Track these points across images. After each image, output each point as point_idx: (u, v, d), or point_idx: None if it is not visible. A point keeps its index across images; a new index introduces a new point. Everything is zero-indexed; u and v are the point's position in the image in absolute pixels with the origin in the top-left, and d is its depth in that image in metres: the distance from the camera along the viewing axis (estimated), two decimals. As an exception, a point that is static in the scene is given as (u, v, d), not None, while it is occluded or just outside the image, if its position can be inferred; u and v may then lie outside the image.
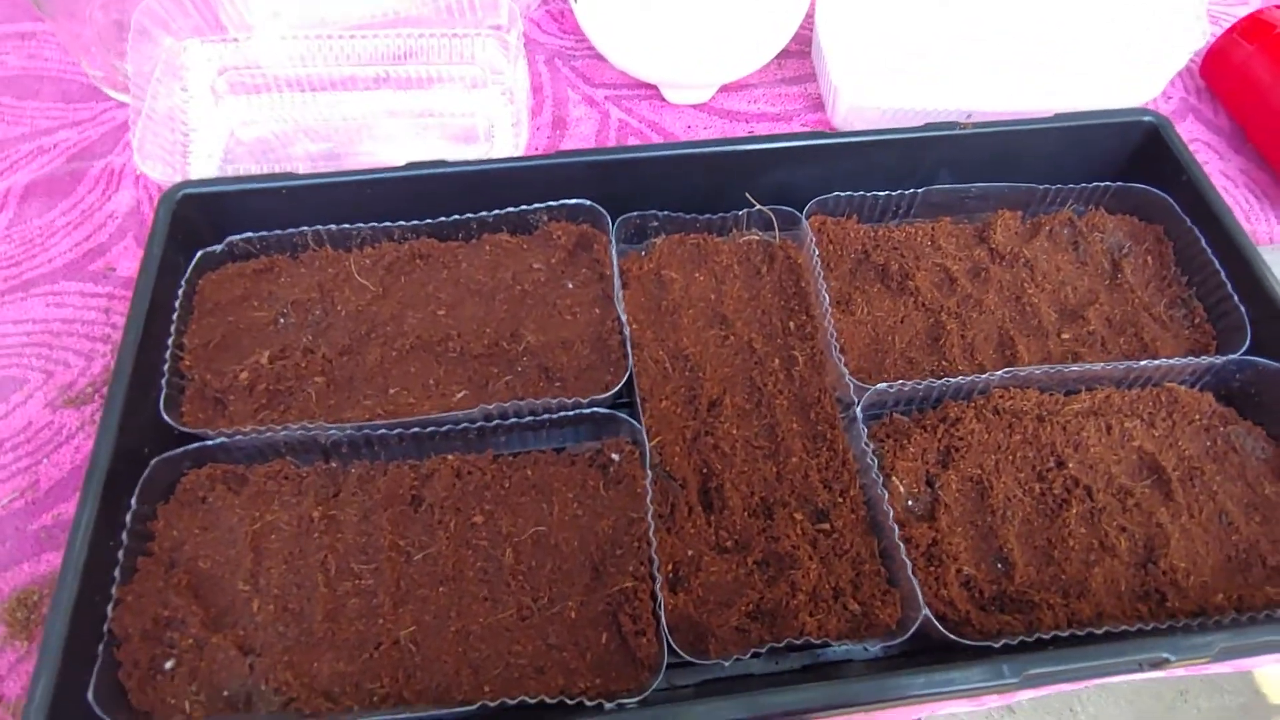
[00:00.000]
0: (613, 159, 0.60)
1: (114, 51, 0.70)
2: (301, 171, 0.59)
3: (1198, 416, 0.54)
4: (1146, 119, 0.63)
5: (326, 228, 0.58)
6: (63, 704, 0.40)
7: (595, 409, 0.51)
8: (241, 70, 0.71)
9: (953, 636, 0.44)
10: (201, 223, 0.58)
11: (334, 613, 0.46)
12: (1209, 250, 0.58)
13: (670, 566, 0.48)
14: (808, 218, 0.60)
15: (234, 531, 0.48)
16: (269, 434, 0.50)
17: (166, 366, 0.52)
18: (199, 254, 0.57)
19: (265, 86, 0.72)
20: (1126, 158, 0.65)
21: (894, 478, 0.51)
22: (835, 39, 0.71)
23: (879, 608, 0.46)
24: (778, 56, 0.73)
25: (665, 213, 0.61)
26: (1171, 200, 0.61)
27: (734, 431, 0.53)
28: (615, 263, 0.57)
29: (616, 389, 0.52)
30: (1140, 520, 0.50)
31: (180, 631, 0.45)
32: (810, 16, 0.75)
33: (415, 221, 0.59)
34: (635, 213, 0.60)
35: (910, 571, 0.46)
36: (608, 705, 0.43)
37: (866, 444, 0.50)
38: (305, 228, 0.58)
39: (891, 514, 0.47)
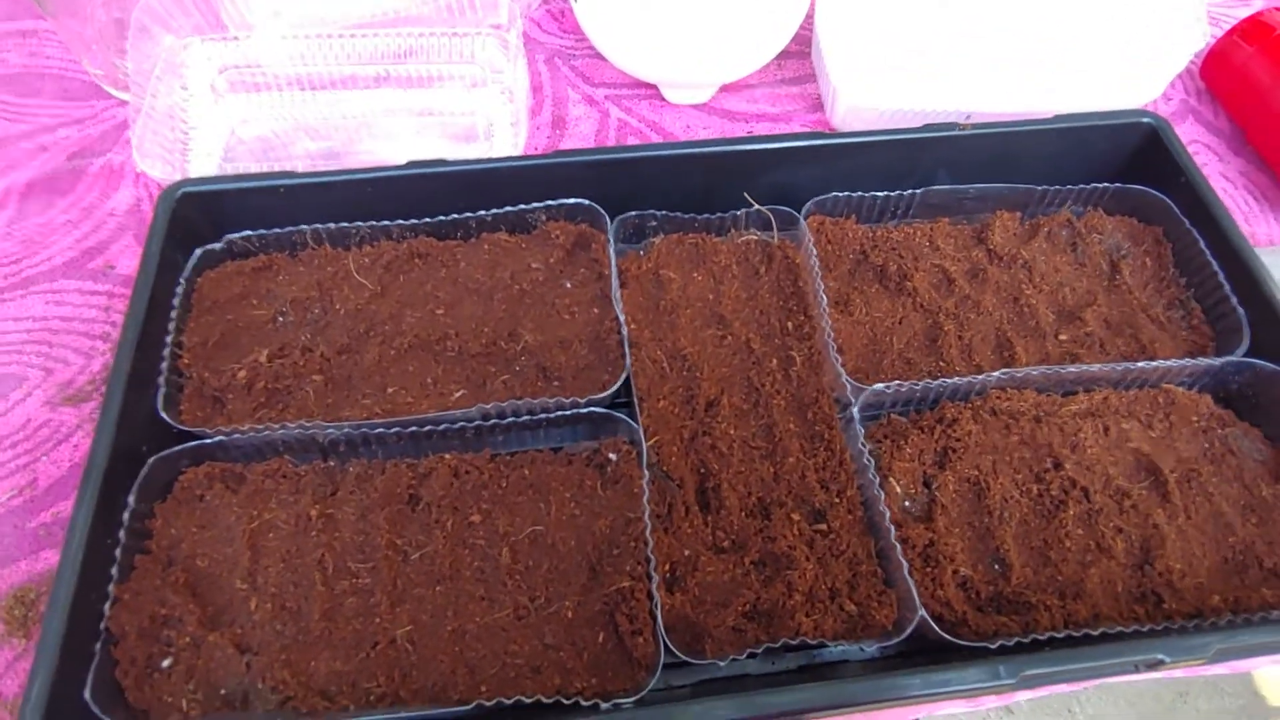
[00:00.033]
0: (612, 159, 0.60)
1: (115, 49, 0.70)
2: (301, 170, 0.59)
3: (1195, 418, 0.54)
4: (1145, 120, 0.63)
5: (326, 226, 0.58)
6: (60, 702, 0.40)
7: (593, 408, 0.51)
8: (242, 69, 0.71)
9: (949, 637, 0.44)
10: (201, 221, 0.58)
11: (331, 611, 0.46)
12: (1208, 252, 0.58)
13: (667, 566, 0.48)
14: (806, 218, 0.60)
15: (232, 530, 0.48)
16: (267, 432, 0.50)
17: (165, 365, 0.52)
18: (198, 252, 0.57)
19: (265, 85, 0.72)
20: (1125, 159, 0.65)
21: (891, 478, 0.51)
22: (835, 39, 0.71)
23: (876, 608, 0.46)
24: (777, 57, 0.73)
25: (664, 212, 0.61)
26: (1170, 202, 0.61)
27: (731, 431, 0.53)
28: (613, 262, 0.57)
29: (614, 389, 0.52)
30: (1137, 521, 0.50)
31: (178, 630, 0.45)
32: (810, 16, 0.75)
33: (414, 220, 0.59)
34: (634, 212, 0.60)
35: (907, 572, 0.46)
36: (604, 705, 0.43)
37: (864, 444, 0.50)
38: (304, 226, 0.58)
39: (888, 514, 0.48)
